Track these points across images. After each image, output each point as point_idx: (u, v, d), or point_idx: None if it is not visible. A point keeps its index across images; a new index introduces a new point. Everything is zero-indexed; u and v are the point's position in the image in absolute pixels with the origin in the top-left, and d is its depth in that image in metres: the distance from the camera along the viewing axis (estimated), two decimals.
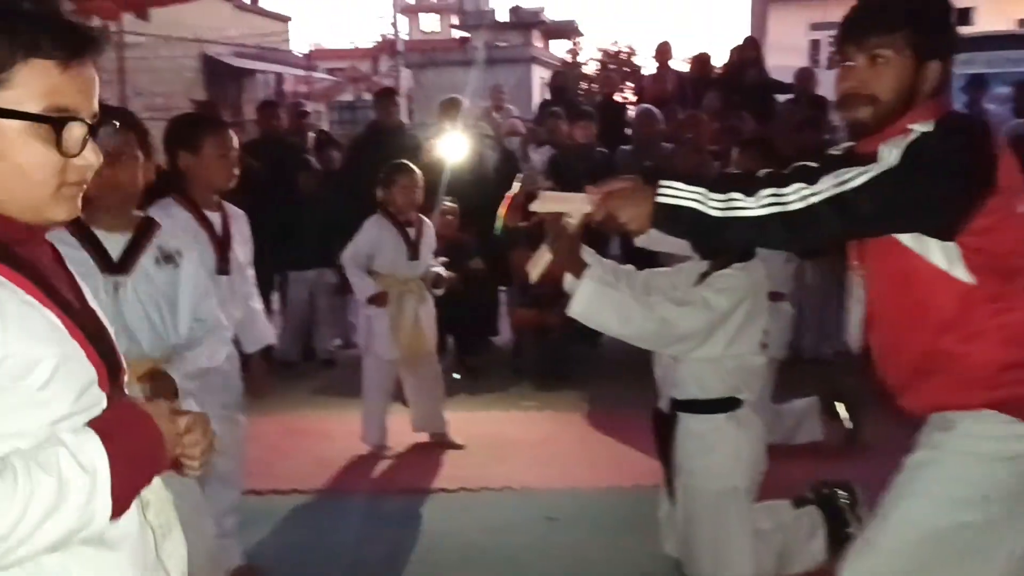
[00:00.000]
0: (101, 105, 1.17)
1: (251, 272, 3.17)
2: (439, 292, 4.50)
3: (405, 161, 4.54)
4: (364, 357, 4.47)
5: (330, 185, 6.41)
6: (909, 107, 1.80)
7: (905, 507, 1.84)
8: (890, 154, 1.70)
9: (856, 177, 1.68)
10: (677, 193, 1.74)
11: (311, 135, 7.45)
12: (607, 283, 2.56)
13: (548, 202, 2.07)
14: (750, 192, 1.72)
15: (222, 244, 2.95)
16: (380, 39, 30.02)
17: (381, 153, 6.05)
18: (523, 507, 3.77)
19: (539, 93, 25.50)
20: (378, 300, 4.30)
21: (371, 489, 4.08)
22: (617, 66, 30.52)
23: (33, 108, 1.12)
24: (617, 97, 9.16)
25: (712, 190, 1.73)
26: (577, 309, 2.47)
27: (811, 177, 1.71)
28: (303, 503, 3.90)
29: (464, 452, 4.47)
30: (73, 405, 1.15)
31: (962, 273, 1.74)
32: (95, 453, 1.11)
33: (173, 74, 21.04)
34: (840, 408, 4.28)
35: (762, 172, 1.83)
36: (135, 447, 1.17)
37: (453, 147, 6.10)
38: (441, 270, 4.52)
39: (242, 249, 3.07)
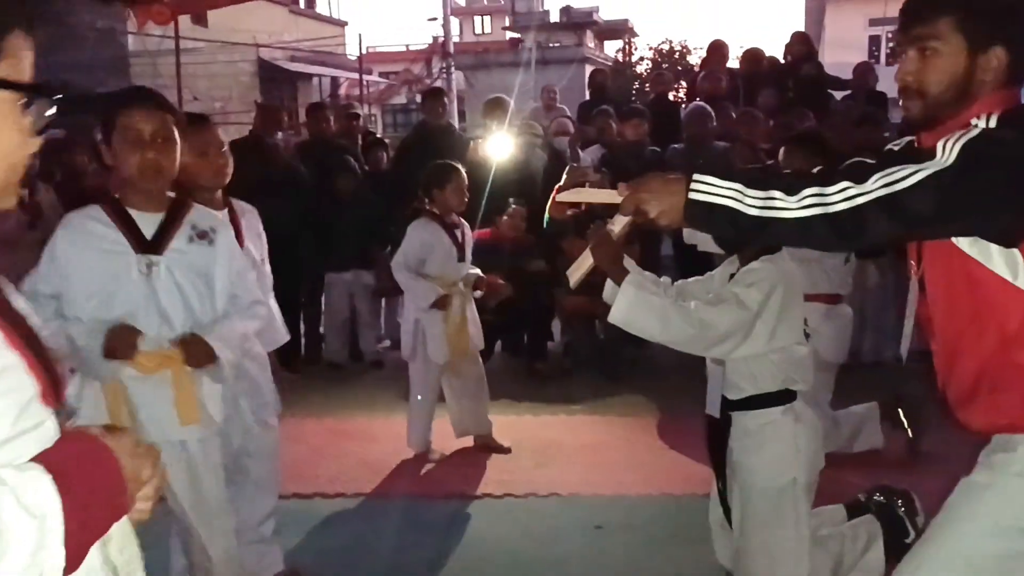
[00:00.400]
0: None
1: (267, 269, 3.12)
2: (479, 295, 4.44)
3: (451, 162, 4.48)
4: (411, 362, 4.41)
5: (372, 186, 6.40)
6: (968, 99, 1.67)
7: (955, 530, 1.72)
8: (947, 151, 1.55)
9: (908, 176, 1.54)
10: (712, 189, 1.61)
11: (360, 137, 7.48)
12: (647, 289, 2.53)
13: (580, 193, 1.99)
14: (792, 190, 1.58)
15: None
16: (432, 41, 30.12)
17: (428, 154, 6.02)
18: (570, 514, 3.68)
19: (589, 90, 25.37)
20: (441, 304, 4.23)
21: (415, 493, 4.02)
22: (671, 65, 30.20)
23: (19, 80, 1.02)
24: (670, 95, 8.99)
25: (750, 186, 1.60)
26: (618, 315, 2.47)
27: (861, 175, 1.57)
28: (347, 507, 3.86)
29: (510, 456, 4.39)
30: (12, 426, 1.01)
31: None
32: (45, 494, 0.94)
33: (230, 79, 21.39)
34: (901, 415, 4.11)
35: (814, 169, 1.71)
36: (93, 488, 1.01)
37: (499, 147, 6.04)
38: (478, 272, 4.46)
39: (255, 245, 3.02)
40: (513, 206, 5.88)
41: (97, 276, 2.28)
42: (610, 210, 2.28)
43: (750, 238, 1.65)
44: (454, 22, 31.93)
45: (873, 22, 25.94)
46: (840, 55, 16.38)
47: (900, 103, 1.82)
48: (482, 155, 6.03)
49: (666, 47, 34.63)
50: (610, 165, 6.15)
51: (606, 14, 39.17)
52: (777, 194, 1.58)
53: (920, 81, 1.70)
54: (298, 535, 3.53)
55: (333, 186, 6.14)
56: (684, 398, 3.58)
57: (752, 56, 8.08)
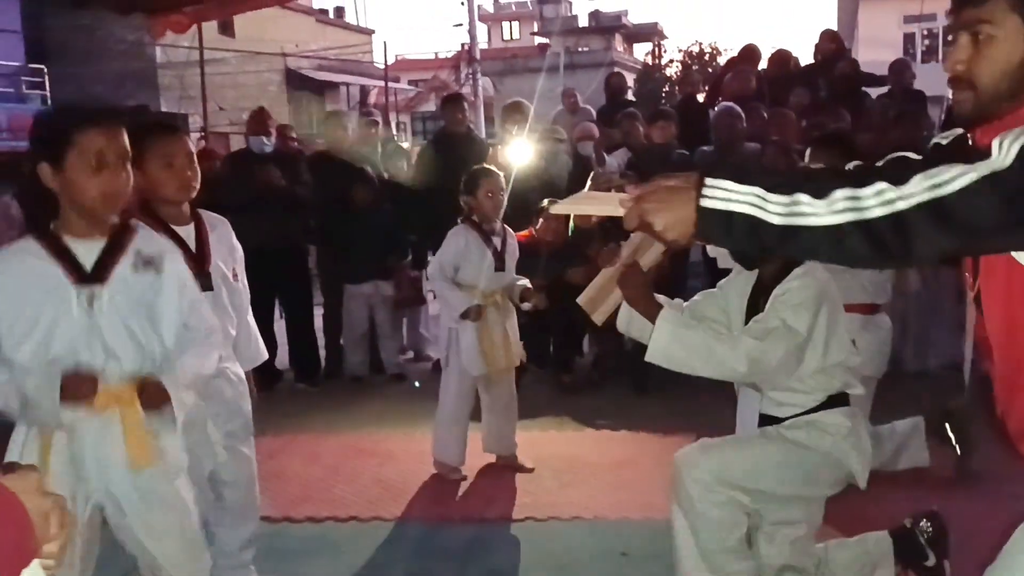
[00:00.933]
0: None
1: (239, 285, 2.92)
2: (528, 307, 4.23)
3: (488, 166, 4.30)
4: (445, 372, 4.24)
5: (392, 195, 6.24)
6: None
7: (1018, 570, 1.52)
8: (1004, 150, 1.30)
9: (957, 178, 1.29)
10: (727, 195, 1.34)
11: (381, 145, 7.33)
12: (683, 324, 2.46)
13: (577, 203, 1.80)
14: (821, 194, 1.32)
15: (197, 258, 2.68)
16: (460, 48, 30.10)
17: (449, 161, 5.87)
18: (594, 540, 3.48)
19: (605, 93, 25.16)
20: (472, 314, 4.04)
21: (433, 517, 3.83)
22: (701, 67, 29.88)
23: None
24: (699, 97, 8.75)
25: (772, 191, 1.33)
26: (656, 355, 2.41)
27: (901, 176, 1.32)
28: (361, 531, 3.68)
29: (533, 476, 4.19)
30: None
31: None
32: None
33: (257, 89, 21.46)
34: (949, 431, 3.85)
35: (848, 167, 1.49)
36: None
37: (519, 152, 5.86)
38: (526, 282, 4.25)
39: (224, 261, 2.82)
40: (548, 207, 5.64)
41: (33, 314, 2.08)
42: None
43: (774, 252, 1.38)
44: (482, 28, 31.91)
45: (908, 19, 25.51)
46: (874, 53, 16.04)
47: (951, 96, 1.60)
48: (502, 160, 5.84)
49: (696, 49, 34.33)
50: (635, 169, 5.96)
51: (635, 17, 39.08)
52: (804, 198, 1.32)
53: (972, 70, 1.48)
54: (309, 562, 3.37)
55: (349, 197, 5.99)
56: (716, 412, 3.37)
57: (779, 58, 7.84)
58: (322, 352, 6.40)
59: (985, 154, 1.32)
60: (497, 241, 4.17)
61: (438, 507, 3.94)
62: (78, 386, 2.04)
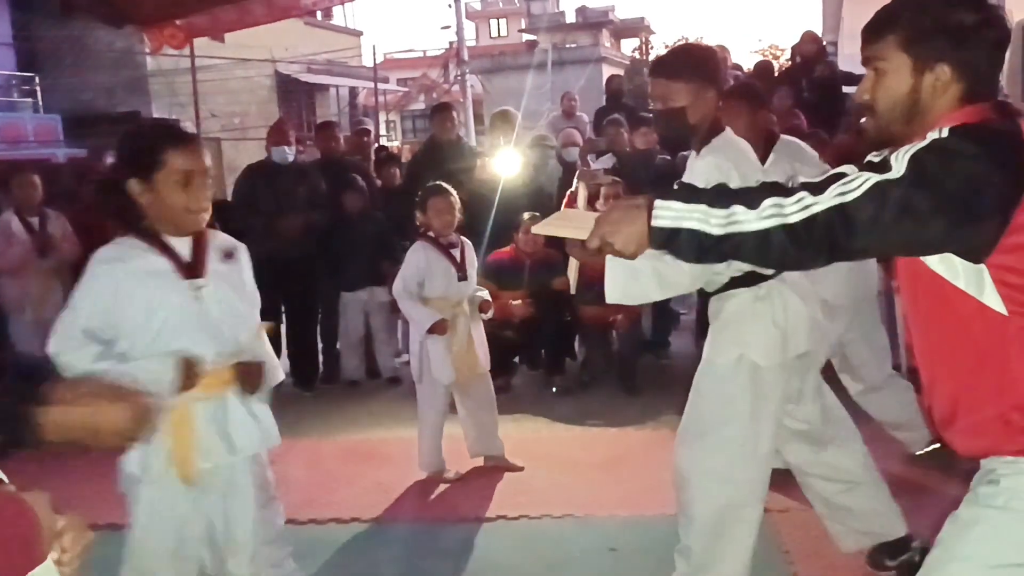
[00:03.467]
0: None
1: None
2: (487, 316, 4.42)
3: (440, 183, 4.47)
4: (418, 383, 4.40)
5: (385, 202, 6.39)
6: (919, 117, 1.66)
7: (949, 571, 1.67)
8: (899, 161, 1.53)
9: (860, 185, 1.52)
10: (676, 214, 1.58)
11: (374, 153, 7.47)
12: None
13: (553, 225, 1.98)
14: (753, 204, 1.55)
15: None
16: (448, 46, 30.18)
17: (438, 169, 6.01)
18: (585, 537, 3.64)
19: (605, 95, 25.24)
20: (438, 329, 4.21)
21: (430, 517, 4.00)
22: None
23: None
24: None
25: (713, 205, 1.57)
26: (614, 293, 2.45)
27: (822, 185, 1.55)
28: (362, 532, 3.84)
29: (526, 475, 4.36)
30: None
31: (994, 301, 1.56)
32: None
33: (247, 94, 21.52)
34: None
35: (777, 183, 1.67)
36: (5, 542, 1.03)
37: (508, 162, 6.01)
38: (485, 294, 4.43)
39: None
40: (527, 219, 5.83)
41: (149, 306, 2.26)
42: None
43: (714, 256, 1.62)
44: (469, 26, 31.98)
45: None
46: (858, 47, 16.18)
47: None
48: (492, 172, 6.00)
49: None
50: (620, 175, 6.11)
51: (622, 12, 39.15)
52: (739, 208, 1.56)
53: (873, 99, 1.72)
54: (315, 562, 3.50)
55: (341, 205, 6.14)
56: None
57: (762, 69, 8.02)
58: (319, 357, 6.55)
59: (888, 166, 1.54)
60: (456, 252, 4.33)
61: (435, 508, 4.11)
62: (188, 373, 2.24)
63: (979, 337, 1.61)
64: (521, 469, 4.39)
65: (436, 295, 4.27)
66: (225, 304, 2.35)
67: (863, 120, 1.78)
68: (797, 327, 2.74)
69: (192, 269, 2.32)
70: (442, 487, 4.31)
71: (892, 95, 1.69)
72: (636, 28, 38.16)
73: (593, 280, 5.73)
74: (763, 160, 3.77)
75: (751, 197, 1.58)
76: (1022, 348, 1.58)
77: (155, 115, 18.26)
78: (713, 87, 2.68)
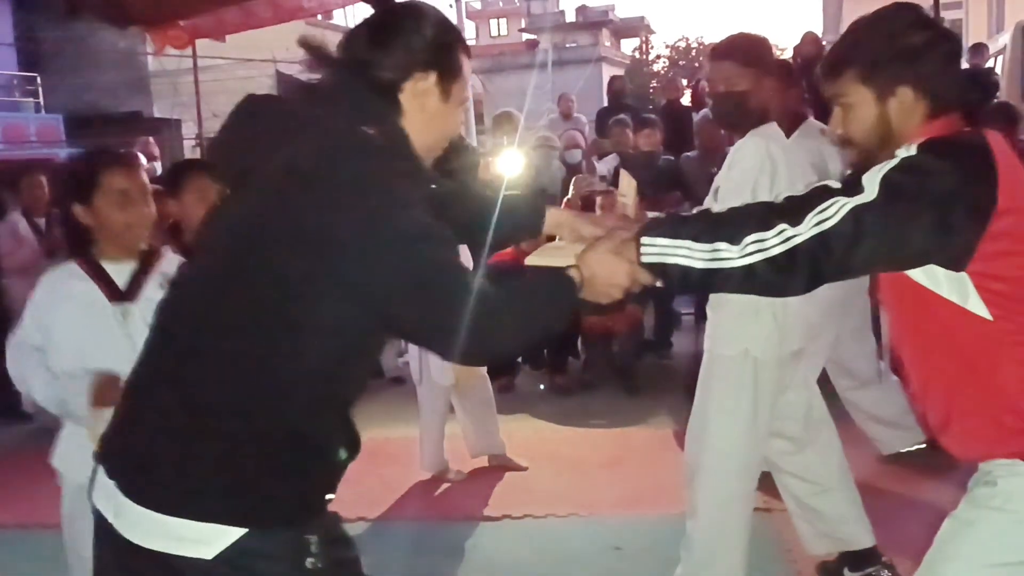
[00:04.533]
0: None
1: None
2: None
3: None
4: (420, 389, 4.44)
5: None
6: (895, 138, 1.72)
7: (946, 571, 1.71)
8: (871, 183, 1.59)
9: (836, 212, 1.57)
10: (662, 250, 1.64)
11: None
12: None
13: (539, 257, 2.06)
14: (735, 240, 1.61)
15: None
16: None
17: (440, 169, 6.04)
18: (590, 536, 3.68)
19: (607, 95, 25.27)
20: None
21: (436, 516, 4.03)
22: (687, 62, 30.05)
23: None
24: (683, 101, 8.94)
25: (698, 240, 1.63)
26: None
27: (799, 215, 1.60)
28: (368, 531, 3.88)
29: (530, 474, 4.39)
30: None
31: (978, 307, 1.61)
32: None
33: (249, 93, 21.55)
34: None
35: (757, 207, 1.74)
36: None
37: (511, 163, 6.04)
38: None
39: None
40: None
41: (77, 329, 2.38)
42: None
43: (702, 289, 1.69)
44: (469, 26, 32.00)
45: None
46: None
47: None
48: (494, 172, 6.03)
49: (683, 44, 34.51)
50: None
51: (622, 12, 39.17)
52: (722, 245, 1.62)
53: (846, 132, 1.80)
54: None
55: None
56: None
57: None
58: None
59: (860, 187, 1.60)
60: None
61: (440, 506, 4.14)
62: (104, 390, 2.30)
63: (966, 343, 1.65)
64: (525, 469, 4.43)
65: None
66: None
67: (846, 151, 1.87)
68: (794, 324, 2.79)
69: (124, 294, 2.42)
70: (446, 486, 4.35)
71: (863, 126, 1.76)
72: (636, 28, 38.22)
73: None
74: (787, 136, 3.86)
75: (734, 231, 1.63)
76: (1009, 351, 1.62)
77: (157, 115, 18.30)
78: (770, 75, 2.76)
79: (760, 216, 1.65)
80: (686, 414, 3.05)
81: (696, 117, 6.79)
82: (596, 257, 1.66)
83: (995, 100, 6.72)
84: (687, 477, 2.93)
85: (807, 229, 1.58)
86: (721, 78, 2.79)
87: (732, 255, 1.61)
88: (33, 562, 3.71)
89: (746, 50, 2.77)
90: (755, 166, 2.63)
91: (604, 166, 6.65)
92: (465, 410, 4.45)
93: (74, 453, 2.38)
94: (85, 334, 2.38)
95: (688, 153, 6.34)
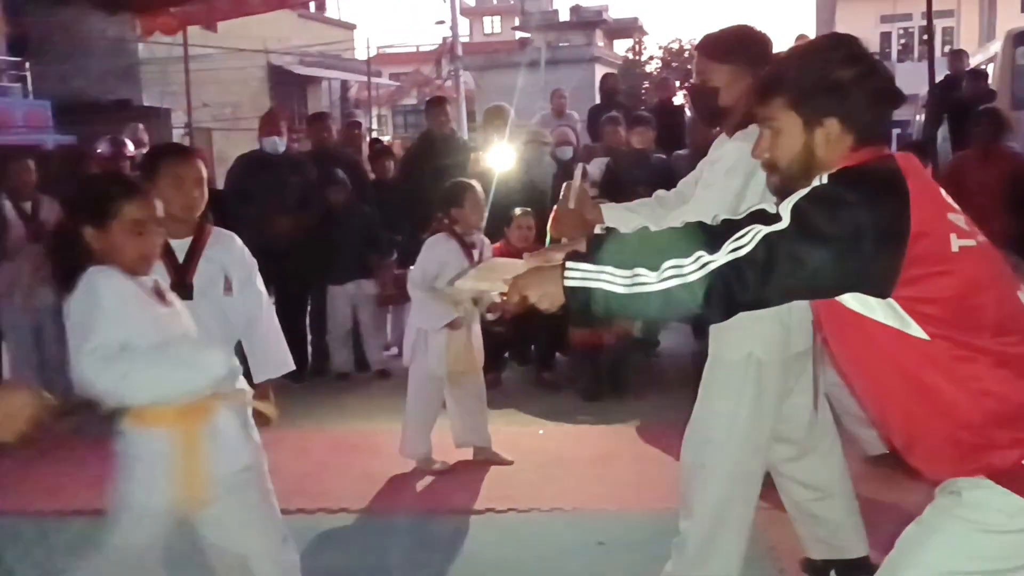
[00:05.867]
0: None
1: (253, 294, 3.08)
2: (493, 318, 4.42)
3: (467, 180, 4.46)
4: (412, 371, 4.41)
5: (379, 195, 6.40)
6: (816, 168, 1.74)
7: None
8: (784, 211, 1.62)
9: (750, 240, 1.60)
10: (584, 275, 1.69)
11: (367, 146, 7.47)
12: (620, 223, 2.51)
13: (472, 280, 2.08)
14: (654, 266, 1.65)
15: (180, 269, 2.89)
16: (441, 42, 30.14)
17: (433, 163, 6.03)
18: (573, 530, 3.67)
19: (600, 93, 25.29)
20: (455, 325, 4.23)
21: (420, 508, 4.01)
22: (680, 64, 30.09)
23: None
24: (676, 100, 8.94)
25: (619, 267, 1.67)
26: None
27: (717, 243, 1.63)
28: (351, 523, 3.86)
29: (515, 469, 4.38)
30: None
31: (914, 329, 1.62)
32: None
33: (239, 84, 21.45)
34: None
35: (684, 231, 1.74)
36: None
37: (502, 157, 6.02)
38: (497, 296, 4.42)
39: (221, 272, 2.97)
40: (519, 214, 5.83)
41: (139, 326, 2.30)
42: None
43: (625, 312, 1.72)
44: (463, 22, 32.01)
45: (884, 19, 25.82)
46: None
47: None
48: (485, 167, 6.01)
49: (675, 46, 34.54)
50: (614, 173, 6.14)
51: (615, 12, 39.13)
52: (642, 271, 1.66)
53: (772, 156, 1.82)
54: (303, 551, 3.51)
55: (325, 199, 6.16)
56: (690, 406, 3.55)
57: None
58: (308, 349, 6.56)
59: (777, 216, 1.63)
60: (475, 252, 4.34)
61: (424, 499, 4.13)
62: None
63: (910, 365, 1.66)
64: (510, 463, 4.41)
65: (446, 289, 4.27)
66: (213, 304, 2.65)
67: (768, 175, 1.88)
68: (800, 325, 2.76)
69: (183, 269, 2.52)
70: (432, 478, 4.33)
71: (788, 152, 1.78)
72: (629, 28, 38.23)
73: None
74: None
75: (655, 257, 1.66)
76: (952, 368, 1.63)
77: (146, 103, 18.16)
78: (751, 73, 2.61)
79: (683, 242, 1.68)
80: (672, 411, 3.07)
81: (689, 116, 6.78)
82: (523, 281, 1.78)
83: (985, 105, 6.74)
84: (683, 477, 2.89)
85: (722, 256, 1.62)
86: (698, 71, 2.76)
87: (650, 280, 1.65)
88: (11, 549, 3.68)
89: (726, 45, 2.70)
90: (729, 168, 2.56)
91: (594, 167, 6.63)
92: (456, 401, 4.43)
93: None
94: (151, 316, 2.34)
95: (680, 151, 6.33)
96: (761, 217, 1.65)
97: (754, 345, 2.71)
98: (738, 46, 2.69)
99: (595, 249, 1.72)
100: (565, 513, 3.83)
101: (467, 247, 4.32)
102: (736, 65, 2.65)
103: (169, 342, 2.30)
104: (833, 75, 1.74)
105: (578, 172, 2.70)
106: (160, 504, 2.32)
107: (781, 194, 1.79)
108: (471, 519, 3.84)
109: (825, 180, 1.67)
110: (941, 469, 1.72)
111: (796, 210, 1.61)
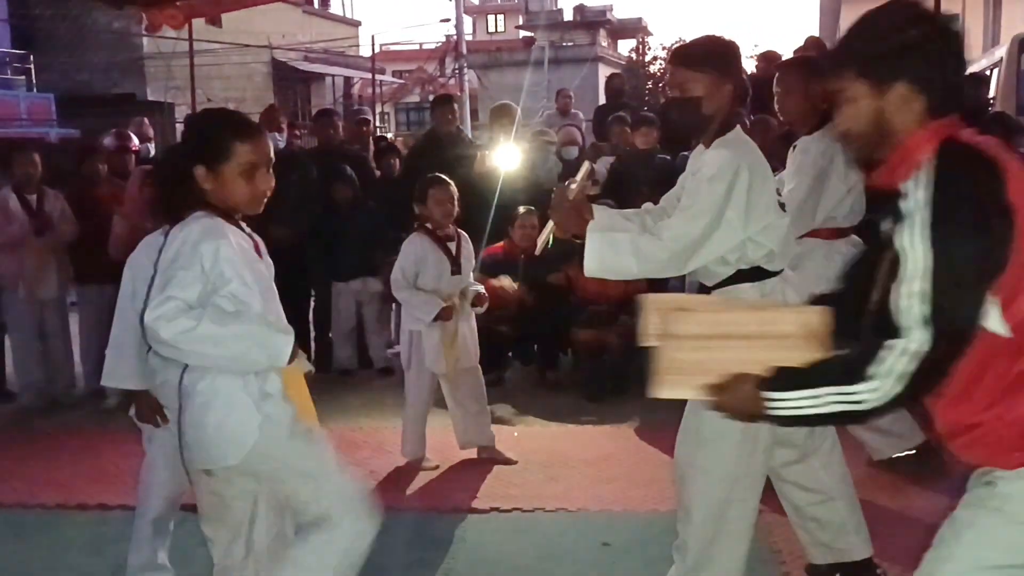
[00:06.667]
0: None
1: None
2: (480, 310, 4.43)
3: (439, 174, 4.46)
4: (408, 373, 4.42)
5: (384, 192, 6.39)
6: (893, 135, 1.73)
7: (941, 572, 1.72)
8: (914, 248, 1.59)
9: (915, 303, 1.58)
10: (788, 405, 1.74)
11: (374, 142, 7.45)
12: (614, 228, 2.52)
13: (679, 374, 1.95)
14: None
15: None
16: (445, 40, 30.12)
17: (437, 161, 6.01)
18: (578, 531, 3.66)
19: (605, 93, 25.28)
20: (444, 315, 4.22)
21: (423, 507, 4.01)
22: None
23: None
24: None
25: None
26: (592, 265, 2.45)
27: (863, 362, 1.64)
28: None
29: (519, 469, 4.37)
30: None
31: (997, 325, 1.61)
32: None
33: (244, 80, 21.46)
34: None
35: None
36: None
37: (507, 156, 6.01)
38: (479, 288, 4.44)
39: None
40: (522, 213, 5.83)
41: (254, 280, 2.32)
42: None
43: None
44: (467, 20, 31.95)
45: None
46: None
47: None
48: (490, 165, 6.00)
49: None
50: (619, 173, 6.13)
51: (620, 13, 39.11)
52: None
53: (847, 128, 1.81)
54: None
55: (331, 195, 6.15)
56: None
57: (767, 58, 7.98)
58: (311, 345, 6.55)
59: (890, 193, 1.65)
60: (452, 246, 4.34)
61: (427, 498, 4.12)
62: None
63: (979, 356, 1.64)
64: (514, 463, 4.41)
65: (428, 287, 4.28)
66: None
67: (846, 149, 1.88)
68: None
69: (259, 250, 2.41)
70: (435, 477, 4.33)
71: (860, 121, 1.77)
72: (634, 29, 38.16)
73: (586, 301, 5.77)
74: (810, 132, 3.82)
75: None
76: (1015, 363, 1.63)
77: (150, 98, 18.15)
78: (730, 81, 2.63)
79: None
80: (676, 411, 3.03)
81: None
82: (726, 401, 1.82)
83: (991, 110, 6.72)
84: (678, 479, 2.88)
85: (904, 363, 1.61)
86: (676, 83, 2.69)
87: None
88: (14, 543, 3.68)
89: (702, 54, 2.66)
90: (712, 176, 2.53)
91: (599, 166, 6.62)
92: (456, 400, 4.43)
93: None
94: (258, 288, 2.31)
95: (685, 152, 6.30)
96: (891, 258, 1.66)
97: None
98: (713, 54, 2.66)
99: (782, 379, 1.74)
100: (569, 513, 3.82)
101: (441, 242, 4.32)
102: (715, 74, 2.61)
103: (264, 298, 2.31)
104: (900, 37, 1.72)
105: (585, 169, 2.68)
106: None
107: (861, 165, 1.80)
108: (476, 518, 3.83)
109: (932, 189, 1.61)
110: (978, 456, 1.71)
111: (938, 242, 1.57)
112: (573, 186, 2.57)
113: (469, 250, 4.46)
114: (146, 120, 7.52)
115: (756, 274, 2.67)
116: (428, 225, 4.35)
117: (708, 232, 2.51)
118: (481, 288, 4.46)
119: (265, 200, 2.37)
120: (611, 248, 2.44)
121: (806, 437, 2.91)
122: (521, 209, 5.78)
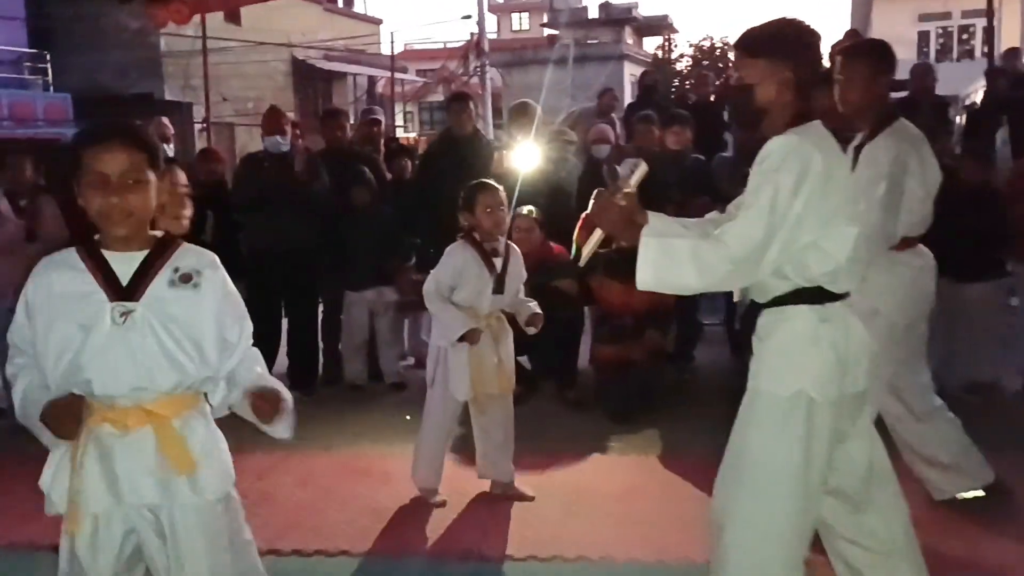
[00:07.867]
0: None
1: None
2: (533, 331, 4.00)
3: (487, 180, 4.03)
4: (430, 391, 4.01)
5: (395, 196, 6.01)
6: None
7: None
8: None
9: None
10: None
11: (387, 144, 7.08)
12: (670, 233, 2.20)
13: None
14: None
15: None
16: (469, 38, 29.80)
17: (453, 163, 5.63)
18: None
19: (630, 92, 24.87)
20: (470, 338, 3.80)
21: (429, 551, 3.59)
22: (711, 63, 29.53)
23: None
24: (713, 98, 8.48)
25: None
26: (645, 276, 2.17)
27: None
28: (351, 568, 3.45)
29: (535, 506, 3.95)
30: None
31: None
32: None
33: (263, 79, 21.22)
34: None
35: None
36: None
37: (526, 157, 5.60)
38: (535, 307, 4.00)
39: None
40: (519, 214, 5.34)
41: (67, 328, 2.03)
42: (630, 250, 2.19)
43: None
44: (491, 19, 31.66)
45: (922, 17, 25.17)
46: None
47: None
48: (508, 166, 5.59)
49: (707, 44, 33.95)
50: (647, 175, 5.70)
51: (645, 10, 38.62)
52: None
53: None
54: None
55: (348, 199, 5.75)
56: (730, 427, 3.11)
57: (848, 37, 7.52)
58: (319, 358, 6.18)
59: None
60: (498, 262, 3.92)
61: (436, 540, 3.70)
62: (60, 418, 2.00)
63: None
64: (531, 499, 3.99)
65: (464, 303, 3.85)
66: (157, 334, 2.05)
67: None
68: (859, 359, 2.36)
69: (125, 291, 2.05)
70: (444, 514, 3.91)
71: None
72: (659, 26, 37.61)
73: (609, 315, 5.34)
74: (873, 135, 3.40)
75: None
76: None
77: (168, 97, 17.95)
78: (789, 67, 2.31)
79: None
80: (710, 438, 2.64)
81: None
82: None
83: None
84: (713, 532, 2.47)
85: None
86: (736, 68, 2.51)
87: None
88: None
89: (759, 39, 2.39)
90: (778, 166, 2.20)
91: (626, 168, 6.20)
92: (481, 427, 4.01)
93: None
94: (76, 335, 2.02)
95: (723, 154, 5.88)
96: None
97: (805, 381, 2.30)
98: (769, 38, 2.37)
99: None
100: (592, 563, 3.39)
101: (487, 255, 3.90)
102: (771, 60, 2.33)
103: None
104: None
105: (640, 170, 2.33)
106: None
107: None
108: (486, 566, 3.42)
109: None
110: None
111: None
112: (627, 189, 2.24)
113: (519, 268, 4.02)
114: (165, 120, 7.16)
115: (817, 295, 2.32)
116: (475, 235, 3.93)
117: (772, 231, 2.17)
118: (537, 308, 4.01)
119: (116, 218, 2.04)
120: (668, 257, 2.16)
121: (861, 486, 2.48)
122: (523, 210, 5.33)
